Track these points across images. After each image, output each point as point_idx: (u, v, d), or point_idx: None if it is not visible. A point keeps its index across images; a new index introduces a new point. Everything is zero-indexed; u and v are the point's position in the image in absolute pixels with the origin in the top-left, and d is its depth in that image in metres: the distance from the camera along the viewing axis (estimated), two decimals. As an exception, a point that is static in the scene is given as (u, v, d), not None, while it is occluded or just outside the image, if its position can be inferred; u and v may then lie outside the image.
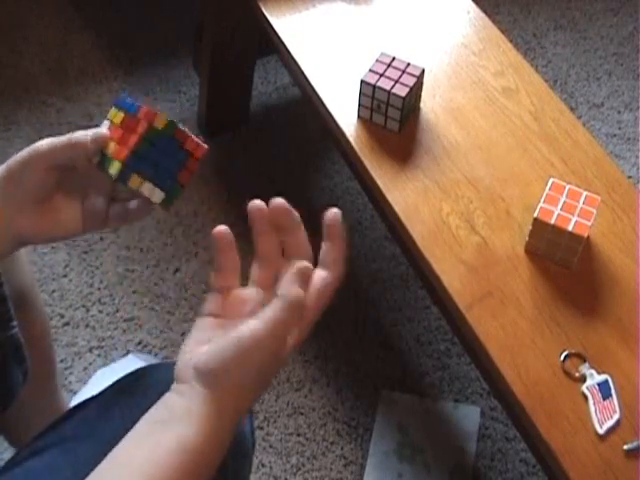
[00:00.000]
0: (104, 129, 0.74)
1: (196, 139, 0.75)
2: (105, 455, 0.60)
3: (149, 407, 0.62)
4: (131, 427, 0.61)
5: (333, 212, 0.67)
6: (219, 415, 0.60)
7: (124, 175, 0.72)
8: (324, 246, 0.66)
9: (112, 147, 0.73)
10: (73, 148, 0.71)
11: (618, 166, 1.21)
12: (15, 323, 0.95)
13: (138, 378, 0.83)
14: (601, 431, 0.94)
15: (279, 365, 0.64)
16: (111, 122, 0.74)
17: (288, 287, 0.62)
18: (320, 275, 0.64)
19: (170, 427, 0.59)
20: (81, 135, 0.72)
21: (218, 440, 0.60)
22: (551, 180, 1.09)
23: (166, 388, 0.63)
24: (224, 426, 0.61)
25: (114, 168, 0.72)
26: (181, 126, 0.75)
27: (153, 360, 1.47)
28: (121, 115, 0.74)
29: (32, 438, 0.83)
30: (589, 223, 1.04)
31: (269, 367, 0.62)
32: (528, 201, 1.13)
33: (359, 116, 1.22)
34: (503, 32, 1.36)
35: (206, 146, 0.76)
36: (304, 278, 0.63)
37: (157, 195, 0.74)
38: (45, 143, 0.71)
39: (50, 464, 0.76)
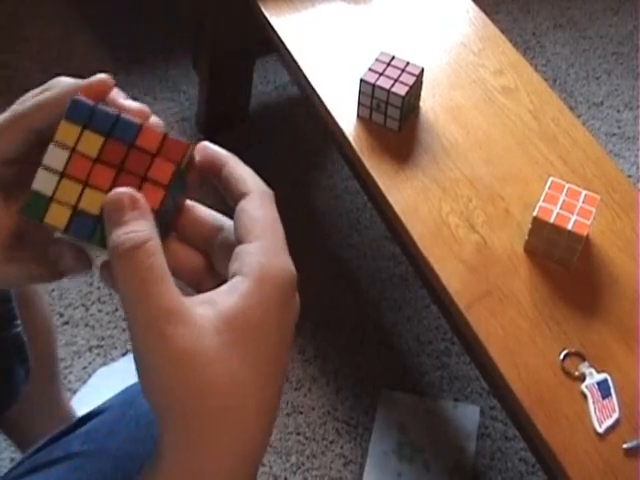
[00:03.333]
0: (53, 155, 0.45)
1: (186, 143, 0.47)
2: (112, 470, 0.56)
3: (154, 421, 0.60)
4: (136, 441, 0.57)
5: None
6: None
7: None
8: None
9: (73, 190, 0.45)
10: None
11: (618, 165, 1.22)
12: (19, 322, 0.95)
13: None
14: (600, 430, 0.94)
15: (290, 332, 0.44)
16: (71, 152, 0.45)
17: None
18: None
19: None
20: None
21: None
22: (550, 179, 1.09)
23: None
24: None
25: None
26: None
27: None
28: (96, 140, 0.45)
29: (32, 450, 0.82)
30: (588, 222, 1.04)
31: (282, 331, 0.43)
32: (527, 200, 1.13)
33: (359, 115, 1.22)
34: (503, 32, 1.36)
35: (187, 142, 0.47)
36: None
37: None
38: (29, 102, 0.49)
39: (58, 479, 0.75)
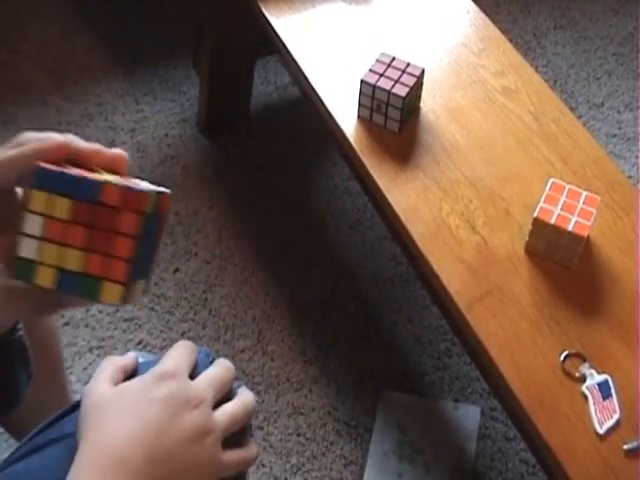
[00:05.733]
0: (29, 222, 0.50)
1: (159, 189, 0.54)
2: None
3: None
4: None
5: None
6: None
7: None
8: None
9: (53, 252, 0.50)
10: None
11: (618, 166, 1.22)
12: (21, 325, 0.95)
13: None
14: (601, 431, 0.94)
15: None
16: (45, 217, 0.50)
17: None
18: None
19: None
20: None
21: None
22: (551, 180, 1.09)
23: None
24: None
25: (113, 295, 0.51)
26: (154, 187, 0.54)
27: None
28: (65, 203, 0.50)
29: (31, 434, 0.82)
30: (589, 223, 1.04)
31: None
32: (528, 201, 1.13)
33: (359, 116, 1.22)
34: (503, 32, 1.36)
35: (168, 190, 0.56)
36: None
37: (140, 289, 0.55)
38: None
39: (51, 460, 0.76)
